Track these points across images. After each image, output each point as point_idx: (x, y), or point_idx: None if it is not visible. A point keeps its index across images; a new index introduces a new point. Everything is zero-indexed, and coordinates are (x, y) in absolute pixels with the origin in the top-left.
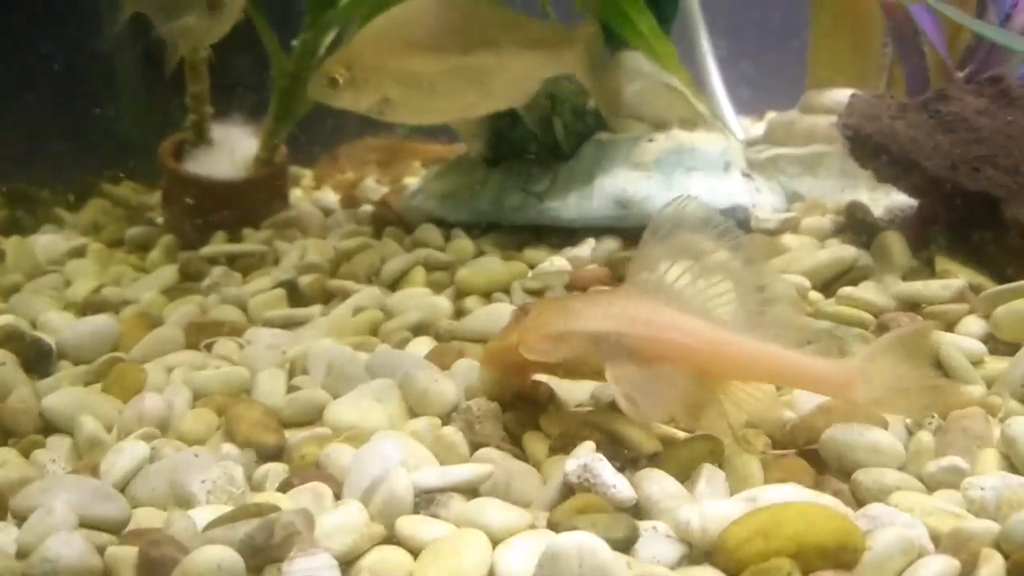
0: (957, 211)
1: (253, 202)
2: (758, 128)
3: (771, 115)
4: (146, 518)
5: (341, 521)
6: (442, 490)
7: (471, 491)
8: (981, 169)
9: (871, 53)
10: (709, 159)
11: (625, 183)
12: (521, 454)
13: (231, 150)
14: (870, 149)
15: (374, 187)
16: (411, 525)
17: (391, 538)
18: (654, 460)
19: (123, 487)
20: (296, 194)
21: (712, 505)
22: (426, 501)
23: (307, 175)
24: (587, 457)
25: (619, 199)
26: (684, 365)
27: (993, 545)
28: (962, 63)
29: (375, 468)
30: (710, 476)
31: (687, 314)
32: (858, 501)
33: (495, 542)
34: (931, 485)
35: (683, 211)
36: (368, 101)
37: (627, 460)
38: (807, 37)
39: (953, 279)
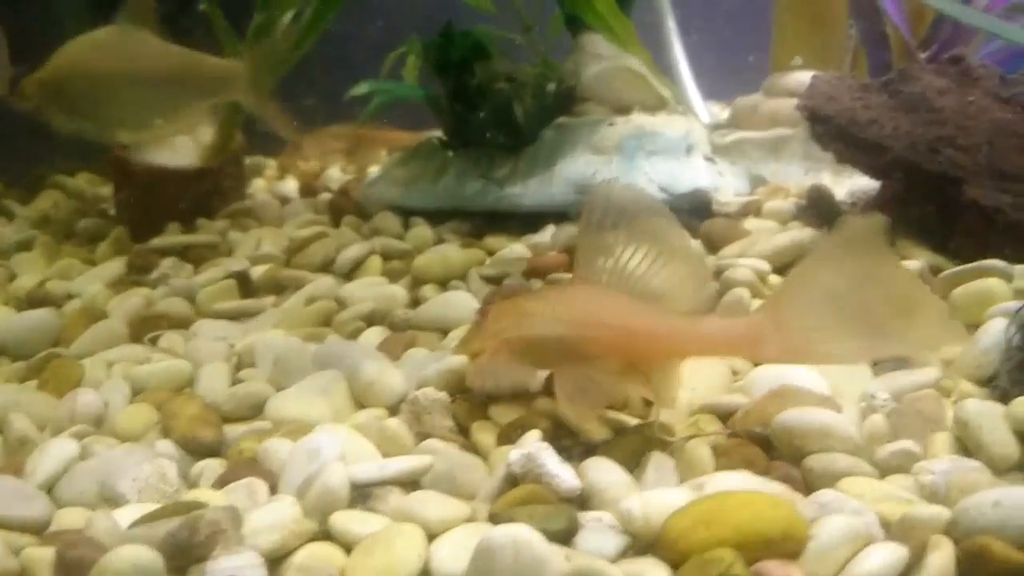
0: (918, 192)
1: (207, 191)
2: (727, 113)
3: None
4: (72, 519)
5: (270, 518)
6: (380, 484)
7: (413, 484)
8: (941, 150)
9: (835, 35)
10: (671, 143)
11: (585, 168)
12: (469, 444)
13: (184, 138)
14: (830, 130)
15: (338, 175)
16: (345, 520)
17: (325, 534)
18: (603, 448)
19: (50, 487)
20: (259, 183)
21: (655, 494)
22: (363, 495)
23: (271, 164)
24: (532, 447)
25: (578, 184)
26: (618, 358)
27: (943, 531)
28: (925, 44)
29: (311, 463)
30: (658, 464)
31: (628, 302)
32: (809, 487)
33: (432, 536)
34: (884, 470)
35: (612, 194)
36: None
37: (576, 449)
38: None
39: (911, 260)
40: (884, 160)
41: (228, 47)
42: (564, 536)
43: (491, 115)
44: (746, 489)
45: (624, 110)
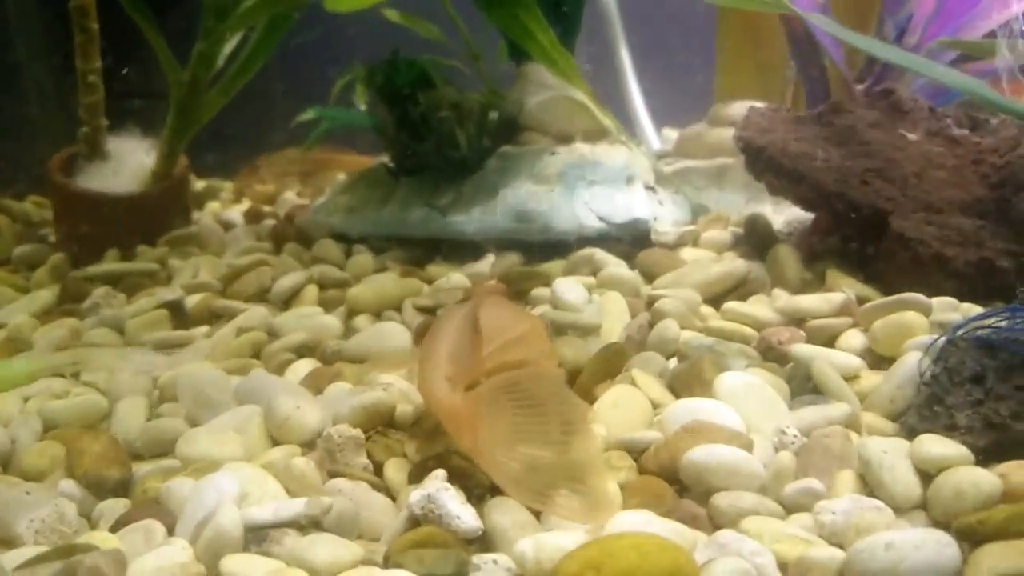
0: (849, 224)
1: (149, 218)
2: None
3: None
4: None
5: (157, 562)
6: (276, 526)
7: (315, 525)
8: (870, 182)
9: (776, 66)
10: (611, 172)
11: (527, 196)
12: (381, 483)
13: (126, 164)
14: (762, 162)
15: (294, 199)
16: (235, 564)
17: None
18: None
19: None
20: (213, 207)
21: (549, 536)
22: (259, 538)
23: (227, 187)
24: (432, 487)
25: (520, 213)
26: None
27: (837, 574)
28: (861, 76)
29: (208, 504)
30: (565, 502)
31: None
32: (715, 526)
33: None
34: (789, 508)
35: None
36: None
37: (484, 488)
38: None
39: (835, 293)
40: (813, 191)
41: (171, 73)
42: None
43: (435, 143)
44: (637, 531)
45: (566, 139)
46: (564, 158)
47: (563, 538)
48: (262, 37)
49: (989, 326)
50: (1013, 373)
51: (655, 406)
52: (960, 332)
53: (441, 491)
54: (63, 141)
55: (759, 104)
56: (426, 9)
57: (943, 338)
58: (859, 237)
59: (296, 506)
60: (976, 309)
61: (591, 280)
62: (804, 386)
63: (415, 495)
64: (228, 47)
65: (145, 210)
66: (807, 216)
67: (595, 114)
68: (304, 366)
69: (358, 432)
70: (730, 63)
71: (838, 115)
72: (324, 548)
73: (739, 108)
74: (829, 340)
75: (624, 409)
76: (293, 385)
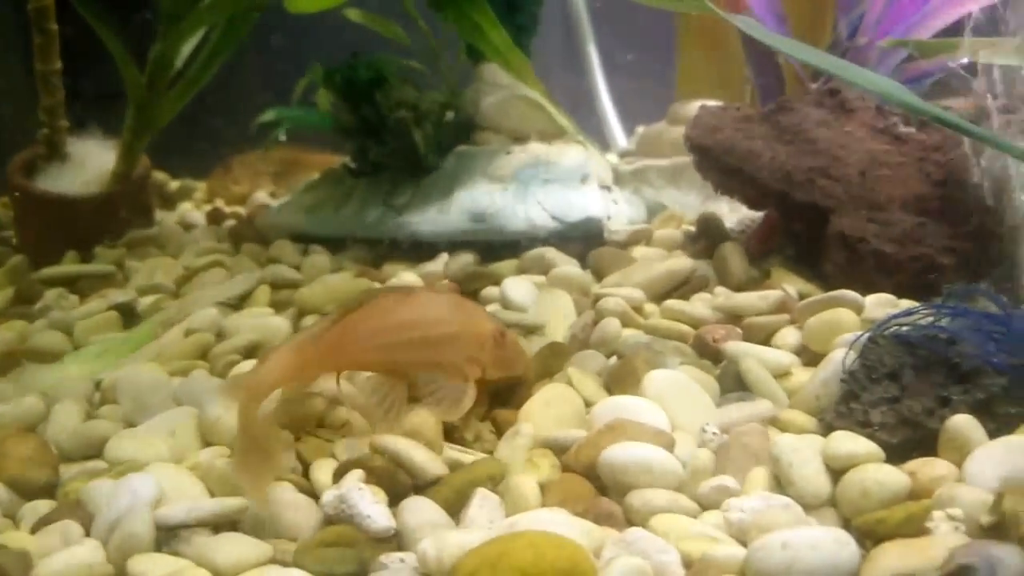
0: (795, 222)
1: (109, 219)
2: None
3: None
4: None
5: (67, 561)
6: (189, 525)
7: (230, 525)
8: (815, 180)
9: (734, 65)
10: (566, 172)
11: (481, 196)
12: (306, 484)
13: (86, 165)
14: (709, 160)
15: (267, 199)
16: (142, 564)
17: None
18: (435, 485)
19: None
20: (186, 207)
21: (451, 534)
22: (171, 538)
23: (201, 188)
24: (345, 487)
25: (474, 212)
26: None
27: (738, 572)
28: (815, 75)
29: (121, 504)
30: (482, 501)
31: None
32: (630, 524)
33: None
34: (705, 506)
35: None
36: None
37: (407, 486)
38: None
39: (772, 290)
40: (757, 190)
41: (128, 75)
42: None
43: (392, 143)
44: (536, 529)
45: (522, 139)
46: (519, 158)
47: (465, 536)
48: (221, 37)
49: (910, 324)
50: (930, 370)
51: (588, 404)
52: (882, 329)
53: (353, 491)
54: (24, 142)
55: (711, 103)
56: (390, 9)
57: (866, 335)
58: (804, 235)
59: (208, 506)
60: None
61: (541, 279)
62: (734, 384)
63: (328, 495)
64: (187, 48)
65: (105, 211)
66: (760, 215)
67: (549, 113)
68: (249, 368)
69: (286, 433)
70: (690, 62)
71: (786, 113)
72: (229, 548)
73: (696, 107)
74: (766, 337)
75: (555, 408)
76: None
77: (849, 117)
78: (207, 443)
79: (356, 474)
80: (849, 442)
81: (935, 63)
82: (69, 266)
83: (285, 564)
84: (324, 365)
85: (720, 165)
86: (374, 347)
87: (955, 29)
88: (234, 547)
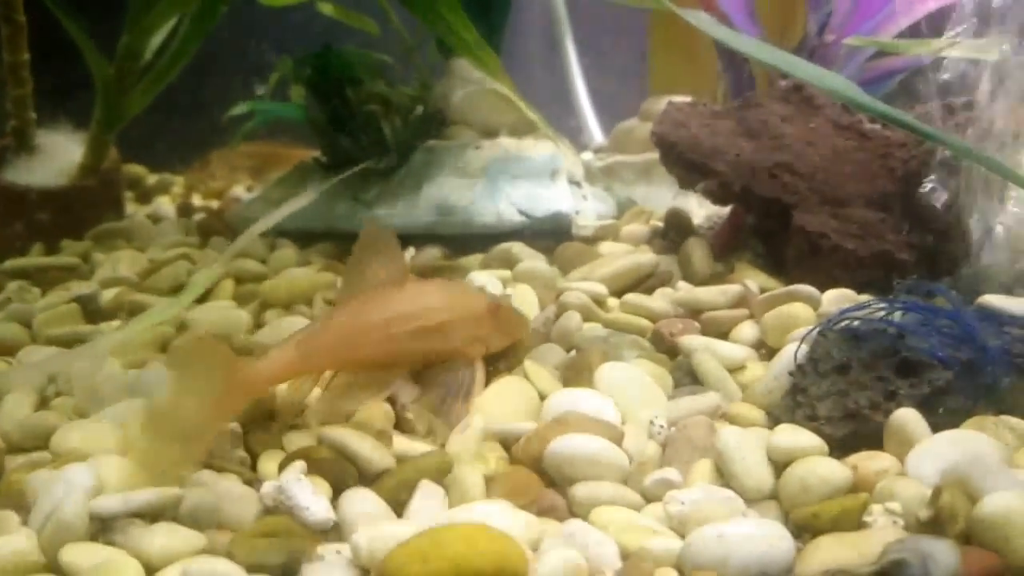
0: (760, 217)
1: (77, 211)
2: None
3: None
4: None
5: None
6: (127, 516)
7: (168, 515)
8: (778, 175)
9: (705, 61)
10: (535, 167)
11: (449, 191)
12: (253, 476)
13: (55, 157)
14: (673, 156)
15: (244, 194)
16: (73, 553)
17: (55, 567)
18: (382, 477)
19: None
20: (162, 201)
21: (386, 526)
22: (106, 527)
23: (178, 182)
24: (284, 479)
25: (441, 206)
26: None
27: (674, 565)
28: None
29: (57, 494)
30: (426, 493)
31: None
32: (575, 516)
33: (154, 569)
34: (649, 498)
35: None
36: None
37: (353, 478)
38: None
39: (732, 285)
40: (720, 185)
41: (95, 67)
42: (284, 570)
43: (362, 136)
44: (469, 521)
45: (492, 134)
46: (488, 152)
47: (398, 528)
48: (190, 29)
49: (861, 318)
50: (877, 364)
51: (543, 398)
52: (832, 324)
53: (293, 482)
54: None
55: (679, 99)
56: (366, 3)
57: (816, 329)
58: (768, 230)
59: (144, 497)
60: None
61: (508, 274)
62: (688, 377)
63: (267, 486)
64: (157, 40)
65: (73, 204)
66: (728, 210)
67: (519, 108)
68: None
69: (235, 425)
70: (662, 58)
71: (752, 109)
72: (161, 538)
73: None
74: (725, 332)
75: (507, 400)
76: None
77: (815, 113)
78: None
79: (298, 465)
80: (792, 435)
81: (902, 61)
82: (33, 258)
83: (218, 555)
84: (324, 361)
85: (685, 160)
86: (374, 341)
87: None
88: (166, 537)
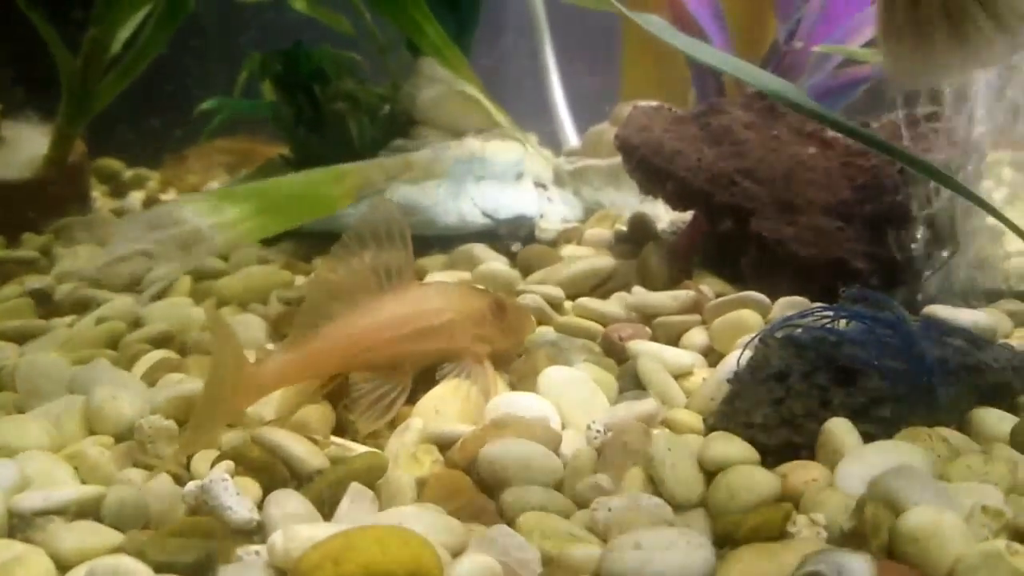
0: (720, 223)
1: (41, 205)
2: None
3: None
4: None
5: None
6: (48, 513)
7: (91, 514)
8: (738, 182)
9: (676, 67)
10: (501, 169)
11: (413, 190)
12: (184, 475)
13: (20, 149)
14: (634, 160)
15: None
16: None
17: None
18: (314, 478)
19: None
20: (137, 196)
21: (302, 528)
22: (25, 524)
23: (154, 177)
24: (208, 479)
25: (405, 205)
26: None
27: (593, 573)
28: None
29: None
30: (356, 495)
31: None
32: (506, 520)
33: (66, 567)
34: (580, 504)
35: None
36: None
37: (285, 479)
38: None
39: (684, 290)
40: (679, 190)
41: (61, 60)
42: (196, 570)
43: (329, 134)
44: (384, 525)
45: (459, 134)
46: (454, 153)
47: (314, 530)
48: (158, 24)
49: (803, 325)
50: (816, 372)
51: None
52: (774, 330)
53: (216, 482)
54: None
55: (645, 103)
56: (340, 2)
57: (757, 336)
58: (727, 236)
59: (66, 494)
60: None
61: (467, 276)
62: (633, 382)
63: (189, 486)
64: (124, 34)
65: (36, 197)
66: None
67: (486, 109)
68: (159, 357)
69: (171, 423)
70: (634, 63)
71: (716, 116)
72: (76, 535)
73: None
74: (675, 337)
75: (450, 403)
76: (123, 375)
77: (777, 120)
78: (91, 432)
79: (223, 465)
80: (723, 443)
81: (870, 70)
82: None
83: (132, 554)
84: (330, 364)
85: (644, 165)
86: (379, 343)
87: None
88: (82, 535)
